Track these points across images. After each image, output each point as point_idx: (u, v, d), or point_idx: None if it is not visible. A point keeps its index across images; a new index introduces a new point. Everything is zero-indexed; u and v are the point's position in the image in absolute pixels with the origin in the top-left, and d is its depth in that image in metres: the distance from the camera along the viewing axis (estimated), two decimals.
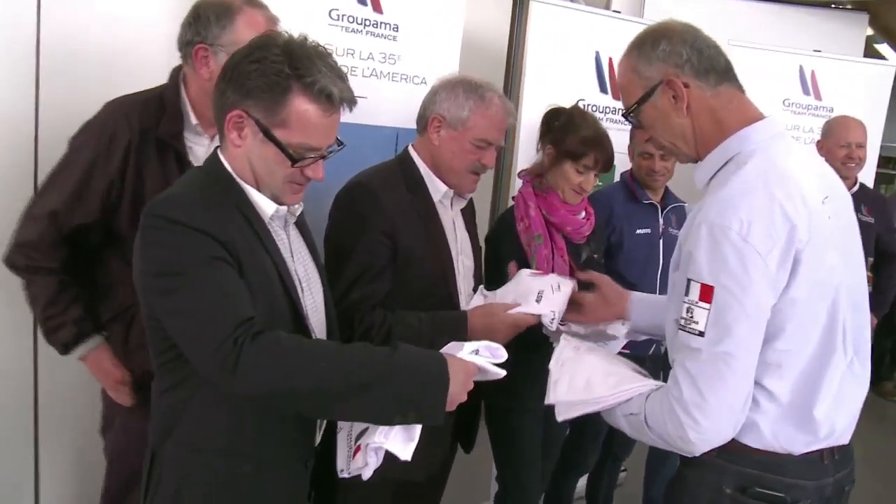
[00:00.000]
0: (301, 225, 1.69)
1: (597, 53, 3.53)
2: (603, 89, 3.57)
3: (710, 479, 1.56)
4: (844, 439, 1.57)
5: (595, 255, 2.63)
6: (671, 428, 1.48)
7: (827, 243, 1.45)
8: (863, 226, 3.42)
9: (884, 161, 7.48)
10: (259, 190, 1.50)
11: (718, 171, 1.54)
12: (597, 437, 3.05)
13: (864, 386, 1.61)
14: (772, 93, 3.96)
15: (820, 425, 1.50)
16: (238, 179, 1.49)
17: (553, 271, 2.40)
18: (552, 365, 1.74)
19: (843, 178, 3.46)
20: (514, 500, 2.63)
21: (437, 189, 2.13)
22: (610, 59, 3.55)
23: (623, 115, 1.66)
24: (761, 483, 1.52)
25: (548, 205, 2.45)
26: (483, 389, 1.60)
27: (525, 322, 1.97)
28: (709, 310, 1.41)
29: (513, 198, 2.58)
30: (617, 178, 3.16)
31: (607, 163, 2.44)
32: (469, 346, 1.49)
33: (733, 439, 1.50)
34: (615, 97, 3.60)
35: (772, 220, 1.39)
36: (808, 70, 3.97)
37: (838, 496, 1.61)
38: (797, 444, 1.51)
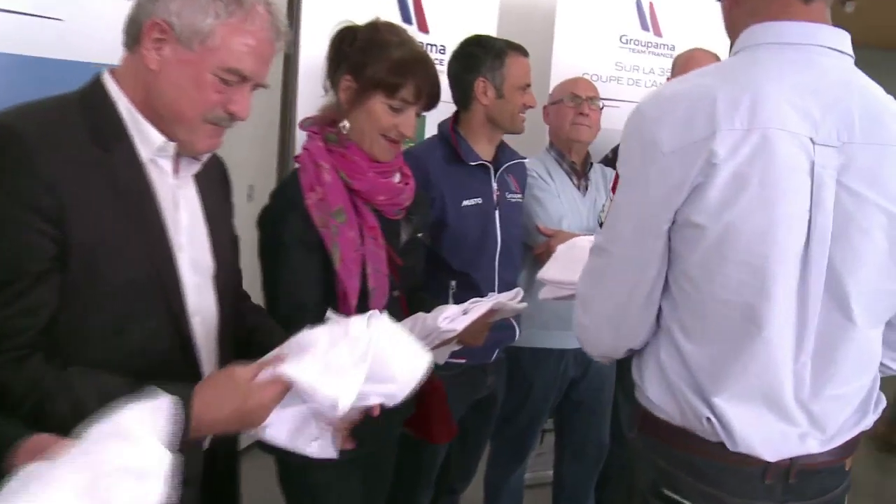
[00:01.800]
0: None
1: None
2: (406, 18, 2.81)
3: (636, 471, 1.39)
4: (758, 452, 1.25)
5: (420, 235, 1.89)
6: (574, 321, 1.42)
7: (780, 184, 1.14)
8: None
9: None
10: None
11: None
12: (430, 472, 2.35)
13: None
14: (607, 28, 3.38)
15: (707, 416, 1.24)
16: None
17: (365, 261, 1.65)
18: (560, 247, 1.77)
19: None
20: None
21: (149, 140, 1.26)
22: None
23: None
24: (672, 484, 1.30)
25: (348, 165, 1.67)
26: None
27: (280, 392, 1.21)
28: None
29: (295, 158, 1.76)
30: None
31: (433, 95, 1.73)
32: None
33: (648, 412, 1.33)
34: (422, 28, 2.86)
35: (692, 115, 1.16)
36: (645, 2, 3.41)
37: None
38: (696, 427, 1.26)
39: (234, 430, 1.27)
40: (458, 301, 2.20)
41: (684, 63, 2.94)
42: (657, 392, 1.31)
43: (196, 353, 1.32)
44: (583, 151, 2.65)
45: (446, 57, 2.69)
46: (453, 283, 2.19)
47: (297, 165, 1.72)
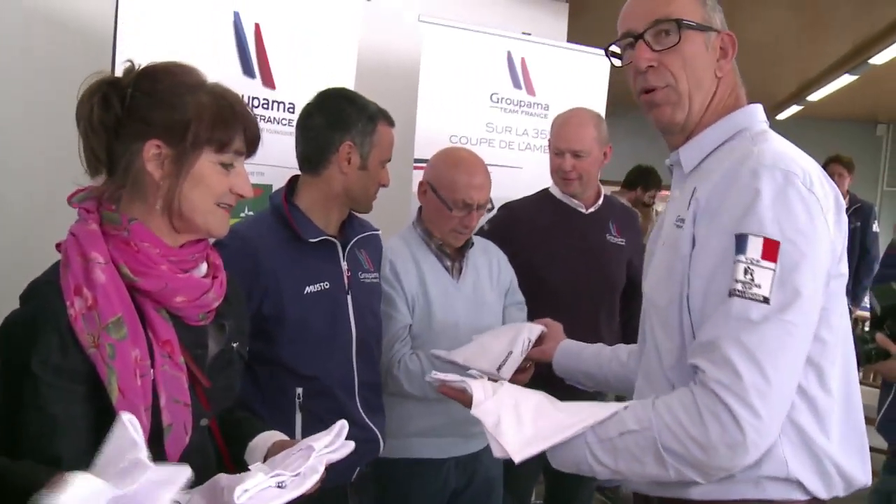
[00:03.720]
0: None
1: None
2: (248, 71, 2.41)
3: None
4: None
5: (236, 345, 1.42)
6: (715, 432, 1.15)
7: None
8: (613, 249, 2.50)
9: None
10: None
11: (722, 144, 1.35)
12: None
13: None
14: (477, 85, 3.10)
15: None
16: None
17: (157, 390, 1.19)
18: (481, 403, 1.30)
19: (572, 195, 2.61)
20: None
21: None
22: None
23: (653, 24, 1.32)
24: None
25: (132, 257, 1.20)
26: None
27: None
28: (774, 270, 1.17)
29: (57, 246, 1.26)
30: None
31: (258, 134, 1.34)
32: None
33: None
34: (268, 83, 2.47)
35: (821, 177, 1.24)
36: (517, 58, 3.16)
37: None
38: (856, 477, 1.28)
39: None
40: (305, 411, 1.78)
41: (552, 127, 2.65)
42: (798, 461, 1.23)
43: None
44: None
45: (295, 116, 2.34)
46: (300, 390, 1.75)
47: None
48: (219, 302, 1.30)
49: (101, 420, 1.15)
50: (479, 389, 1.32)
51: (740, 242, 1.19)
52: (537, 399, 1.33)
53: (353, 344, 1.84)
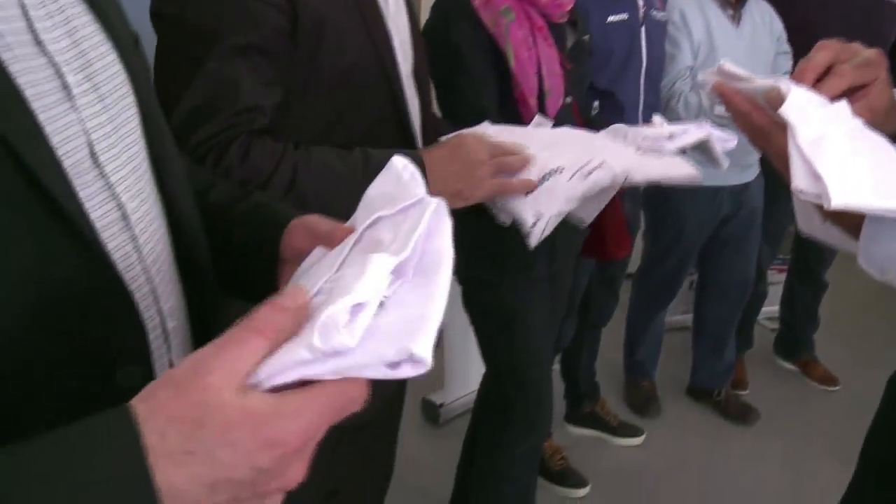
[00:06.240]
0: None
1: None
2: None
3: None
4: None
5: (585, 39, 1.83)
6: None
7: None
8: (888, 6, 2.58)
9: None
10: None
11: None
12: (572, 306, 2.37)
13: None
14: None
15: None
16: None
17: (539, 63, 1.62)
18: (798, 105, 0.76)
19: None
20: (522, 399, 1.91)
21: None
22: None
23: None
24: None
25: None
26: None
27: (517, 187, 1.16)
28: None
29: None
30: None
31: None
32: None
33: None
34: None
35: None
36: None
37: None
38: None
39: (453, 191, 1.10)
40: (598, 123, 2.18)
41: None
42: None
43: (416, 145, 1.22)
44: None
45: None
46: (596, 103, 2.16)
47: None
48: (571, 5, 1.70)
49: (504, 87, 1.62)
50: (797, 90, 0.78)
51: None
52: (879, 139, 0.79)
53: (642, 69, 2.20)
